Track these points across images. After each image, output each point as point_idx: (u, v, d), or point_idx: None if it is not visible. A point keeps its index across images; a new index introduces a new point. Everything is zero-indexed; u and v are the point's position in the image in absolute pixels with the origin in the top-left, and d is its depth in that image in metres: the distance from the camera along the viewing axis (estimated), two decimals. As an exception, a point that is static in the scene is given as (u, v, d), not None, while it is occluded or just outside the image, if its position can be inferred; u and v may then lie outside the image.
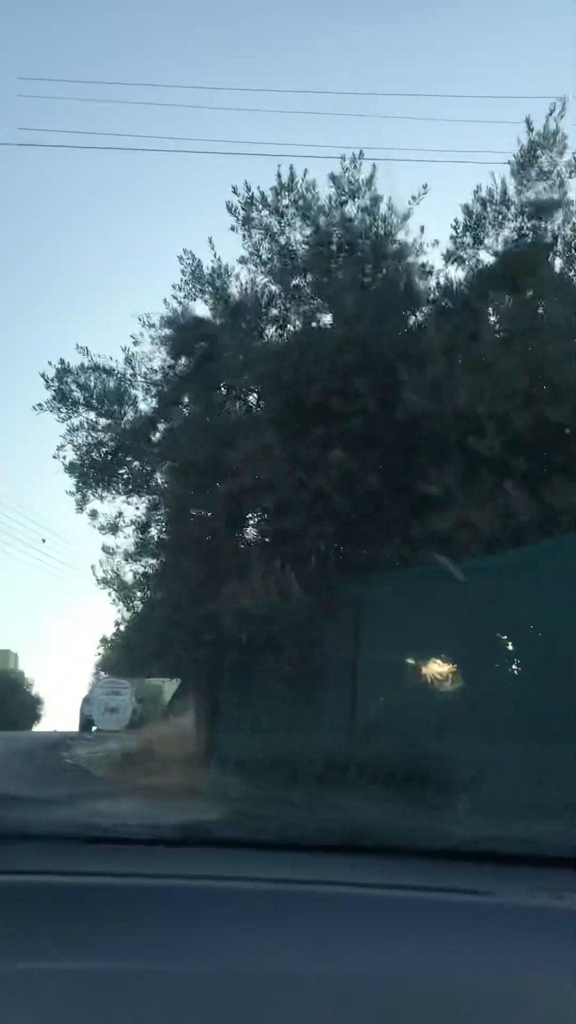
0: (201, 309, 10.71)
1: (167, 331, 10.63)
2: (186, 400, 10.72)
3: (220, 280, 10.54)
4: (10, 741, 18.92)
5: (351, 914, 1.28)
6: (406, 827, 2.03)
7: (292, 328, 10.04)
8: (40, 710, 47.61)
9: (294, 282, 10.14)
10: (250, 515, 10.06)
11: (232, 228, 10.30)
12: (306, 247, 10.00)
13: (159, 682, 26.89)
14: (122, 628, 36.98)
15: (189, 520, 10.22)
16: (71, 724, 29.12)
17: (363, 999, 1.10)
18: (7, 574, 78.01)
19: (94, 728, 26.06)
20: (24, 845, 1.54)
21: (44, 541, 44.76)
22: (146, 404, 10.87)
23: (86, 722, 26.75)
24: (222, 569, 9.03)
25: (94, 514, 11.33)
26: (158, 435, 10.85)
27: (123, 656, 19.68)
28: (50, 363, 10.75)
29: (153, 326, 10.72)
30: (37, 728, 48.03)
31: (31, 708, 46.36)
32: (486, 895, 1.36)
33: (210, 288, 10.55)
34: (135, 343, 10.79)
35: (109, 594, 11.95)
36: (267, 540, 9.63)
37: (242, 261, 10.37)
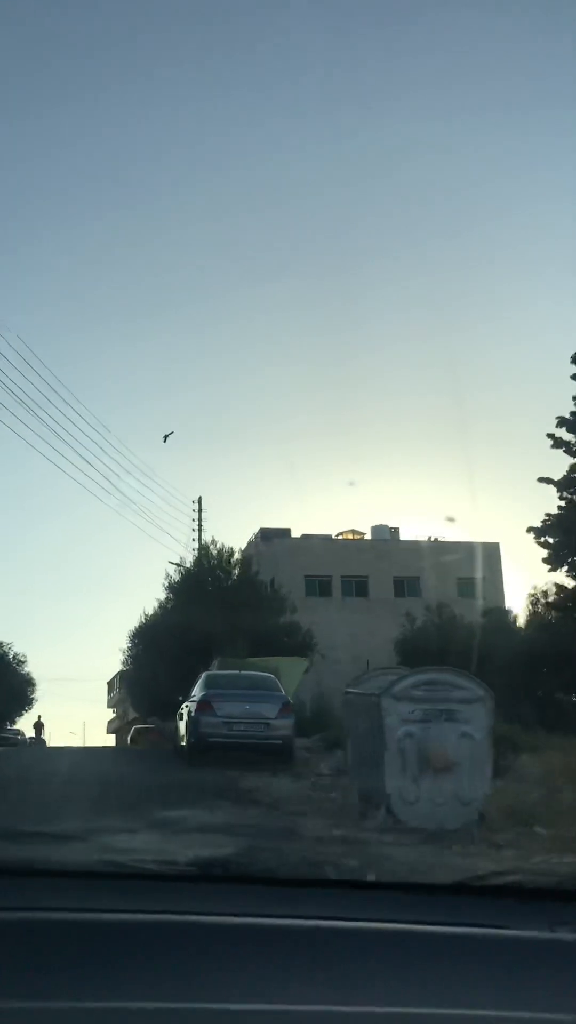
0: None
1: None
2: None
3: None
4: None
5: (369, 950, 1.30)
6: (424, 861, 2.29)
7: None
8: (32, 694, 39.46)
9: None
10: None
11: None
12: None
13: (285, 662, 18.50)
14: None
15: None
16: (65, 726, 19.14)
17: None
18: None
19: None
20: (36, 881, 1.51)
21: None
22: None
23: (202, 744, 13.22)
24: None
25: None
26: None
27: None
28: None
29: None
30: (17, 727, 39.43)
31: (20, 691, 38.10)
32: (505, 929, 1.38)
33: None
34: None
35: None
36: None
37: None
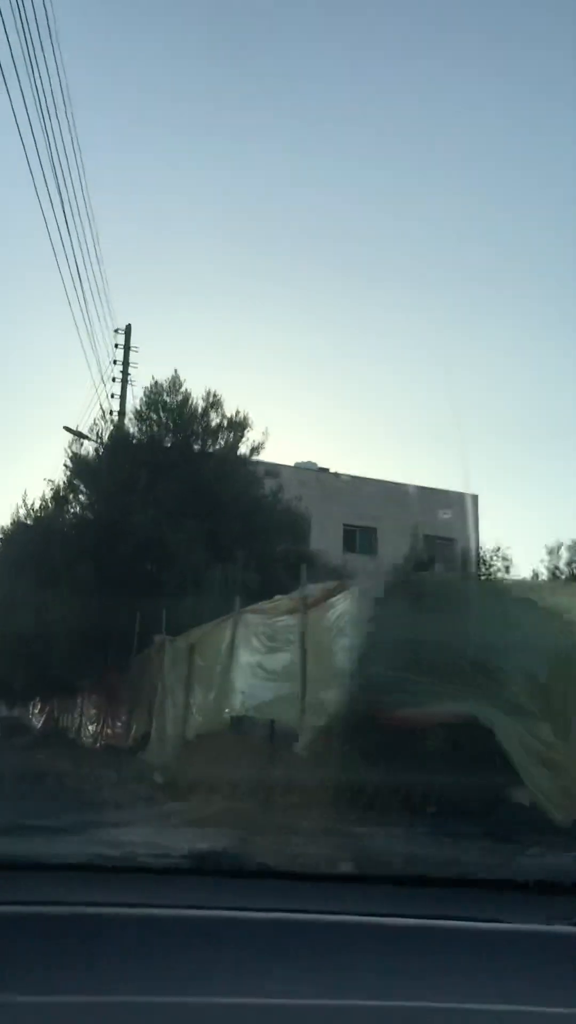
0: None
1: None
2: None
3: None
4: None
5: (364, 943, 1.28)
6: (419, 855, 2.23)
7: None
8: None
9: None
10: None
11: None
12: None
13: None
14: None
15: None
16: None
17: None
18: None
19: None
20: (33, 875, 1.51)
21: None
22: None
23: None
24: None
25: None
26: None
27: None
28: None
29: None
30: None
31: None
32: (502, 923, 1.37)
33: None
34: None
35: None
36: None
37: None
